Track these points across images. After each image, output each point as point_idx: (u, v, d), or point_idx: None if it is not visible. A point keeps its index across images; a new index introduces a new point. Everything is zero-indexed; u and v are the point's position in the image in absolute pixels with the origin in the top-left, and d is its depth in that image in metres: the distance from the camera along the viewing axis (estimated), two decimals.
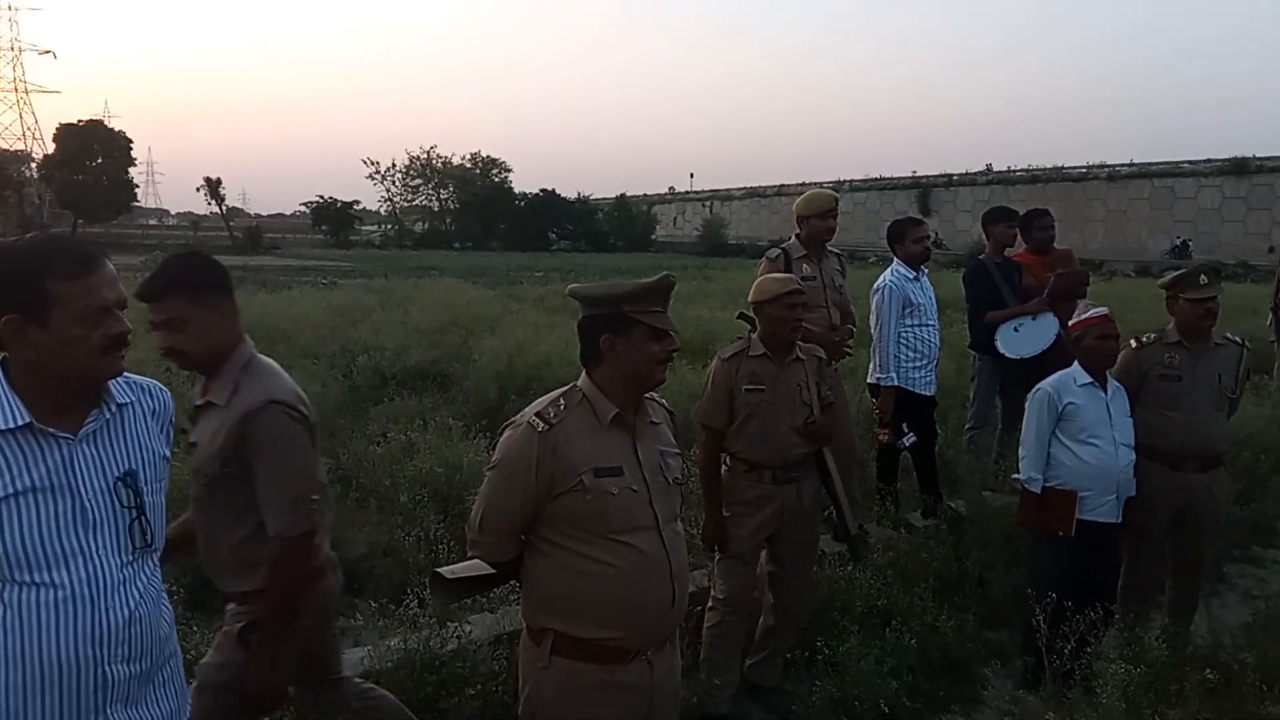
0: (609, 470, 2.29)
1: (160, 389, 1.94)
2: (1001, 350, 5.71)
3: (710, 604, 3.80)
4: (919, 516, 5.26)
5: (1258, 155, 39.27)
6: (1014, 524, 4.41)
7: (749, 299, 3.81)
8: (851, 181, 56.82)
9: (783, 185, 61.13)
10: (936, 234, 40.06)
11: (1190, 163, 41.38)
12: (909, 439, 5.22)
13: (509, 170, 65.61)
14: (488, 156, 65.64)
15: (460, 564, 2.54)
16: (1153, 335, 4.13)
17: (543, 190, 62.45)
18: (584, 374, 2.41)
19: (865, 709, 3.51)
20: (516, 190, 63.72)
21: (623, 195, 66.21)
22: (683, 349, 8.78)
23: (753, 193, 65.86)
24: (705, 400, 3.75)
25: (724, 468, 3.77)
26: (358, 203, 63.56)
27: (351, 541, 4.84)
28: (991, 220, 6.08)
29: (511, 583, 2.56)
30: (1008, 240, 6.02)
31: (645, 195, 74.00)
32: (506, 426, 2.39)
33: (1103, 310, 3.99)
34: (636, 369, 2.35)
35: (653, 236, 62.22)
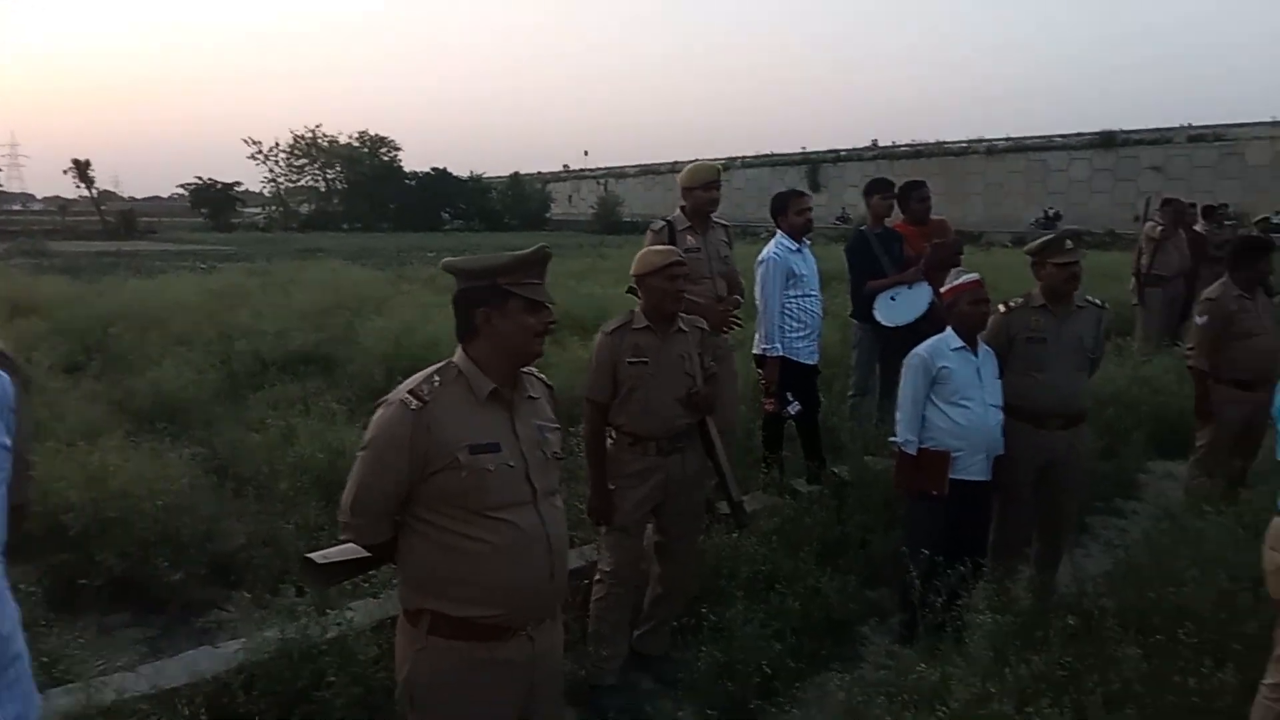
0: (485, 447, 2.26)
1: None
2: (879, 319, 5.87)
3: (597, 577, 3.81)
4: (804, 483, 5.36)
5: (1124, 128, 41.28)
6: (893, 486, 4.55)
7: (631, 272, 3.81)
8: (743, 158, 57.46)
9: (676, 162, 61.05)
10: (844, 209, 40.88)
11: (1062, 136, 43.19)
12: (794, 408, 5.32)
13: (398, 149, 63.92)
14: (376, 135, 63.84)
15: (333, 548, 2.47)
16: (1020, 300, 4.29)
17: (434, 169, 61.17)
18: (459, 349, 2.37)
19: (749, 672, 3.57)
20: (407, 169, 62.22)
21: (516, 173, 65.42)
22: (575, 325, 8.82)
23: (647, 170, 65.90)
24: (590, 374, 3.75)
25: (609, 441, 3.77)
26: (239, 184, 61.07)
27: (228, 533, 4.69)
28: (868, 192, 6.23)
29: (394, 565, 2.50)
30: (884, 211, 6.17)
31: (539, 173, 73.33)
32: (379, 405, 2.33)
33: (974, 276, 4.12)
34: (513, 342, 2.32)
35: (548, 215, 61.72)
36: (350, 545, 2.39)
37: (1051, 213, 38.58)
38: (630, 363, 3.66)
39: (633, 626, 3.94)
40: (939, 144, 47.81)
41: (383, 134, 64.03)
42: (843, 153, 51.68)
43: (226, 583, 4.39)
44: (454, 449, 2.23)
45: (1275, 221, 28.81)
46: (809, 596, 4.11)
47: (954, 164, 45.80)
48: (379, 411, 2.30)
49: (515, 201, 61.74)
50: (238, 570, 4.46)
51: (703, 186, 4.98)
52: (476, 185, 62.44)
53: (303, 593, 3.55)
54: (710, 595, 4.08)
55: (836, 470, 5.48)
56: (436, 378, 2.30)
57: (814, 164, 52.29)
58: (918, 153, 47.75)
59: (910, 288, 5.81)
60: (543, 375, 2.57)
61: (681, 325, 3.78)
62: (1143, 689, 3.18)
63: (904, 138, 50.95)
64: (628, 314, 3.78)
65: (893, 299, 5.83)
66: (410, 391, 2.27)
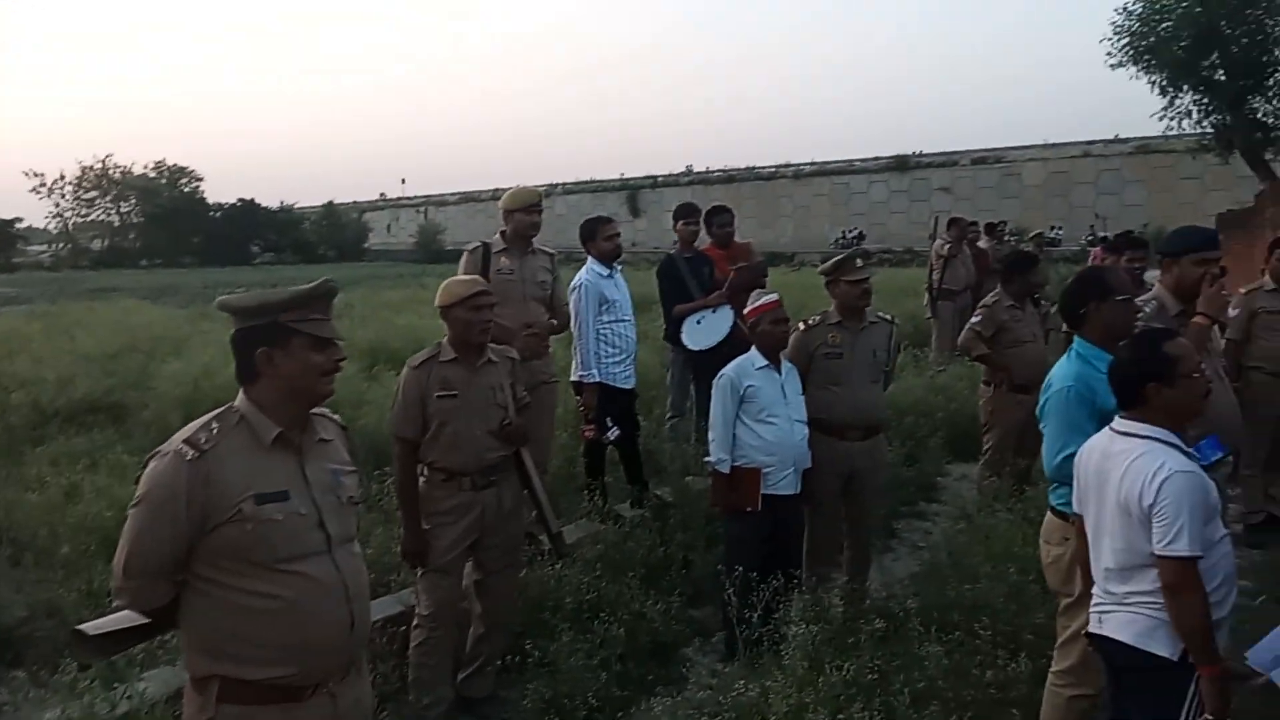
0: (272, 496, 2.14)
1: None
2: (685, 343, 6.01)
3: (415, 622, 3.68)
4: (628, 507, 5.40)
5: (917, 152, 44.25)
6: (709, 505, 4.63)
7: (435, 303, 3.72)
8: (564, 184, 57.85)
9: (498, 189, 60.78)
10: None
11: (862, 160, 45.82)
12: (613, 433, 5.34)
13: (200, 179, 60.62)
14: (174, 165, 60.30)
15: (107, 617, 2.27)
16: (817, 318, 4.48)
17: (241, 200, 58.34)
18: (241, 393, 2.24)
19: (576, 704, 3.54)
20: (211, 200, 59.12)
21: (331, 203, 63.41)
22: (393, 359, 8.53)
23: (468, 197, 65.17)
24: (397, 411, 3.64)
25: (421, 479, 3.67)
26: (20, 220, 56.33)
27: (4, 605, 4.25)
28: (675, 218, 6.38)
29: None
30: (690, 236, 6.32)
31: (355, 202, 71.27)
32: (152, 457, 2.16)
33: (773, 297, 4.28)
34: (300, 383, 2.21)
35: (365, 245, 60.10)
36: (127, 612, 2.20)
37: (853, 234, 40.77)
38: (439, 397, 3.58)
39: (456, 670, 3.83)
40: (750, 169, 49.68)
41: (182, 164, 60.66)
42: (660, 179, 52.88)
43: (3, 661, 3.98)
44: (237, 500, 2.09)
45: (1050, 236, 31.54)
46: (634, 622, 4.12)
47: (765, 188, 47.73)
48: (152, 464, 2.14)
49: (330, 232, 59.76)
50: (16, 646, 4.05)
51: (524, 210, 4.99)
52: (288, 216, 60.01)
53: (87, 667, 3.25)
54: (535, 629, 4.02)
55: (659, 493, 5.54)
56: (215, 424, 2.16)
57: (633, 190, 53.25)
58: (730, 178, 49.43)
59: (714, 311, 5.96)
60: (335, 415, 2.47)
61: (491, 356, 3.73)
62: (945, 685, 3.36)
63: (718, 164, 52.69)
64: (435, 346, 3.69)
65: (698, 323, 5.97)
66: (186, 440, 2.12)
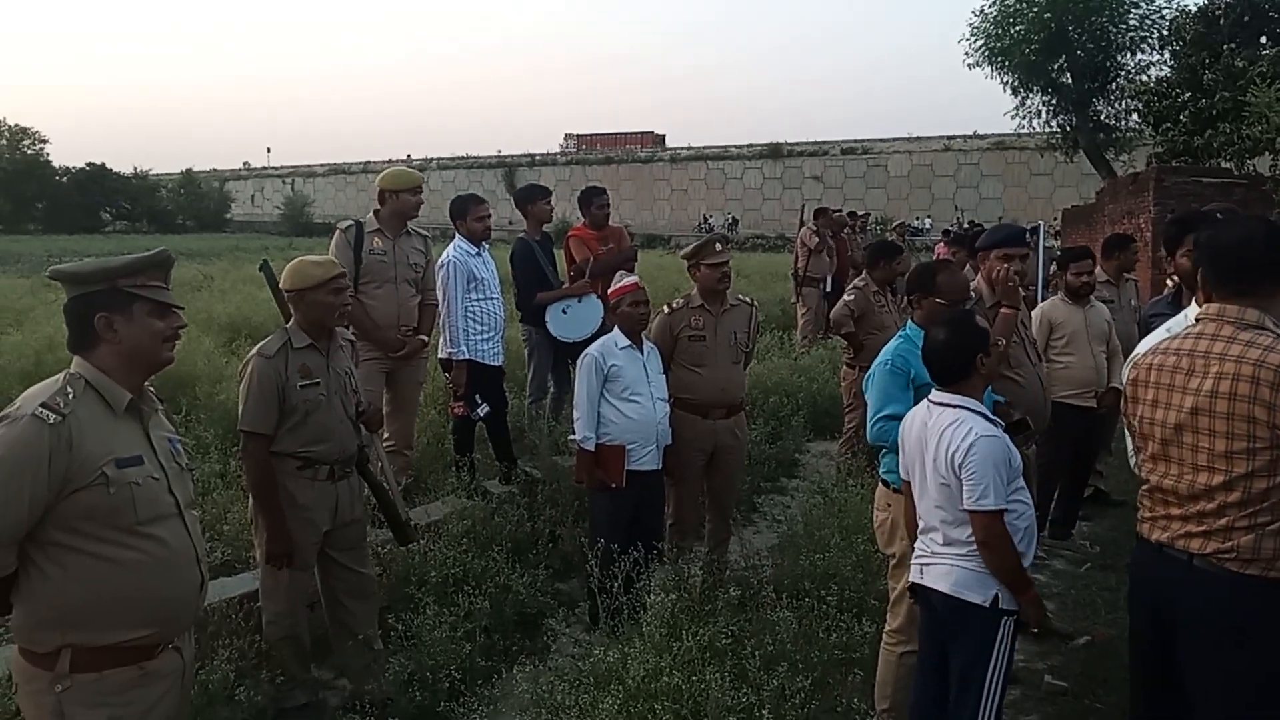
0: (130, 460, 2.17)
1: None
2: (554, 334, 5.95)
3: (269, 618, 3.59)
4: (497, 484, 5.43)
5: (789, 141, 45.36)
6: (574, 481, 4.72)
7: (284, 285, 3.58)
8: (439, 159, 56.81)
9: (369, 162, 59.55)
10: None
11: (736, 147, 46.69)
12: (483, 410, 5.36)
13: (45, 141, 56.90)
14: (17, 126, 56.37)
15: None
16: (680, 301, 4.61)
17: (90, 164, 54.99)
18: (77, 361, 2.23)
19: (439, 676, 3.58)
20: (57, 164, 55.52)
21: (189, 170, 60.53)
22: (255, 335, 8.25)
23: (337, 169, 63.34)
24: (252, 405, 3.43)
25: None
26: None
27: None
28: (529, 198, 6.25)
29: None
30: (546, 216, 6.24)
31: (216, 170, 68.25)
32: None
33: (633, 279, 4.41)
34: (142, 349, 2.24)
35: (228, 215, 57.69)
36: None
37: (730, 219, 41.56)
38: (303, 386, 3.45)
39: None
40: (628, 151, 49.93)
41: (25, 125, 56.71)
42: (537, 157, 52.57)
43: None
44: (99, 464, 2.11)
45: (915, 226, 32.85)
46: (500, 594, 4.18)
47: (643, 170, 48.09)
48: (2, 430, 2.08)
49: (189, 200, 57.12)
50: None
51: (409, 191, 5.01)
52: (142, 182, 56.97)
53: None
54: (399, 603, 4.04)
55: (528, 469, 5.59)
56: (68, 389, 2.15)
57: (510, 167, 52.75)
58: (609, 159, 49.56)
59: (580, 301, 5.89)
60: (154, 390, 2.45)
61: (339, 340, 3.68)
62: (794, 648, 3.55)
63: (595, 144, 52.66)
64: (283, 332, 3.54)
65: (564, 312, 5.90)
66: (43, 405, 2.09)
